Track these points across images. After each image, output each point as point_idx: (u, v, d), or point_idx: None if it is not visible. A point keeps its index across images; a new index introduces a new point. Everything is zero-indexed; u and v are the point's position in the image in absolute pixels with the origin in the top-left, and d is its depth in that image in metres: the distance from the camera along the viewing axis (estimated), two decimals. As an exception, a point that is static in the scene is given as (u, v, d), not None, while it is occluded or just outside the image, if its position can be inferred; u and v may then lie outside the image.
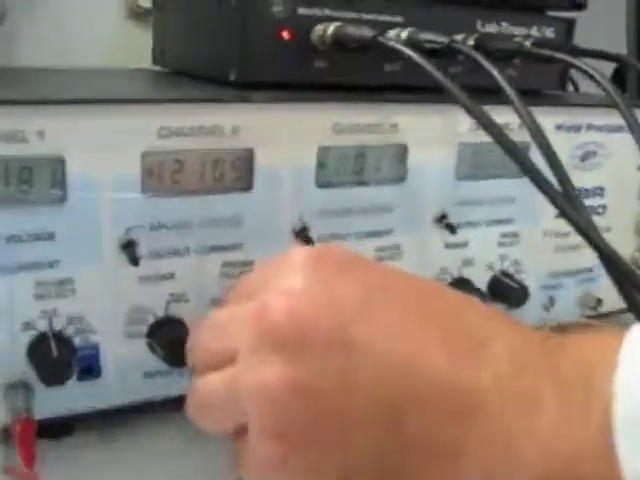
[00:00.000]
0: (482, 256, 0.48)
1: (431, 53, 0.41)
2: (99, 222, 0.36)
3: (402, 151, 0.44)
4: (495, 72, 0.37)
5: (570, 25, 0.53)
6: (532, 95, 0.52)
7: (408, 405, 0.26)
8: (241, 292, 0.33)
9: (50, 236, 0.35)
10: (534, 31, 0.52)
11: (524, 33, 0.51)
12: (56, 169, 0.35)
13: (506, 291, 0.49)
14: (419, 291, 0.30)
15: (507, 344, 0.27)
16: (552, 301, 0.53)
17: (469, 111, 0.35)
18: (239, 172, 0.39)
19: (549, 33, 0.53)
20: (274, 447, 0.28)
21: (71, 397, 0.38)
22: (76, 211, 0.36)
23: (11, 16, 0.67)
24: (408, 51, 0.37)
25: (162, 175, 0.38)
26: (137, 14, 0.77)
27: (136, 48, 0.62)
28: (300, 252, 0.30)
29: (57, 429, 0.40)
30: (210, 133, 0.38)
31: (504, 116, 0.38)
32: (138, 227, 0.37)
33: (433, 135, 0.44)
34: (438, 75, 0.36)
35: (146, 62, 0.57)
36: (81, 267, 0.37)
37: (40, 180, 0.34)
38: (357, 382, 0.26)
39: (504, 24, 0.51)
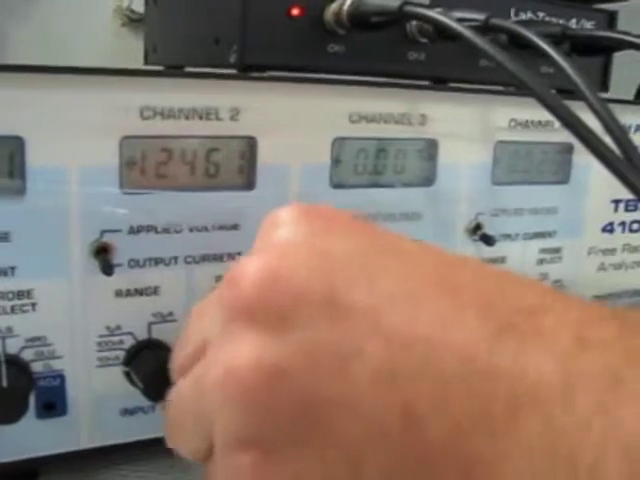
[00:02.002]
0: (521, 274, 0.42)
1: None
2: (66, 222, 0.30)
3: (431, 147, 0.37)
4: (551, 50, 0.31)
5: (612, 17, 0.47)
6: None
7: (427, 405, 0.18)
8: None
9: (4, 237, 0.29)
10: (572, 23, 0.46)
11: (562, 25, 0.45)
12: (13, 155, 0.28)
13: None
14: (440, 257, 0.22)
15: (563, 317, 0.19)
16: (597, 329, 0.46)
17: (531, 90, 0.29)
18: (238, 166, 0.33)
19: (589, 26, 0.47)
20: (242, 456, 0.20)
21: (30, 438, 0.31)
22: (37, 207, 0.29)
23: (1, 21, 0.63)
24: (445, 19, 0.31)
25: (145, 167, 0.31)
26: (132, 20, 0.72)
27: (131, 55, 0.58)
28: (286, 207, 0.24)
29: (16, 476, 0.33)
30: (204, 116, 0.31)
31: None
32: (114, 230, 0.31)
33: (467, 130, 0.38)
34: (489, 48, 0.29)
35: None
36: (43, 276, 0.30)
37: (-8, 166, 0.28)
38: (354, 367, 0.19)
39: (540, 14, 0.45)
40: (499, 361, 0.18)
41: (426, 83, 0.37)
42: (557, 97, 0.28)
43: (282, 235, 0.22)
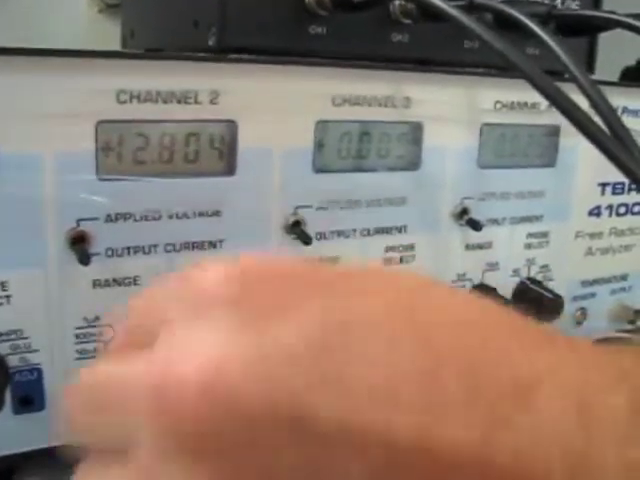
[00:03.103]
0: (507, 259, 0.41)
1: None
2: (41, 210, 0.29)
3: (416, 130, 0.36)
4: (539, 30, 0.30)
5: (597, -3, 0.47)
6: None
7: None
8: (128, 333, 0.21)
9: (-25, 227, 0.28)
10: (558, 3, 0.45)
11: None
12: (-17, 140, 0.27)
13: (536, 301, 0.41)
14: (414, 316, 0.17)
15: (561, 386, 0.16)
16: (584, 314, 0.46)
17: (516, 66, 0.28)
18: (218, 150, 0.32)
19: (574, 6, 0.46)
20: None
21: (6, 435, 0.30)
22: (10, 195, 0.28)
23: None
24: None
25: (122, 152, 0.30)
26: (108, 6, 0.71)
27: (108, 41, 0.57)
28: (209, 276, 0.19)
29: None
30: (182, 100, 0.30)
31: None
32: (91, 218, 0.30)
33: (453, 113, 0.37)
34: (476, 27, 0.28)
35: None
36: (18, 267, 0.29)
37: (-39, 153, 0.27)
38: None
39: (524, -6, 0.44)
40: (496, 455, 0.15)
41: (410, 65, 0.36)
42: (546, 77, 0.27)
43: (213, 330, 0.17)
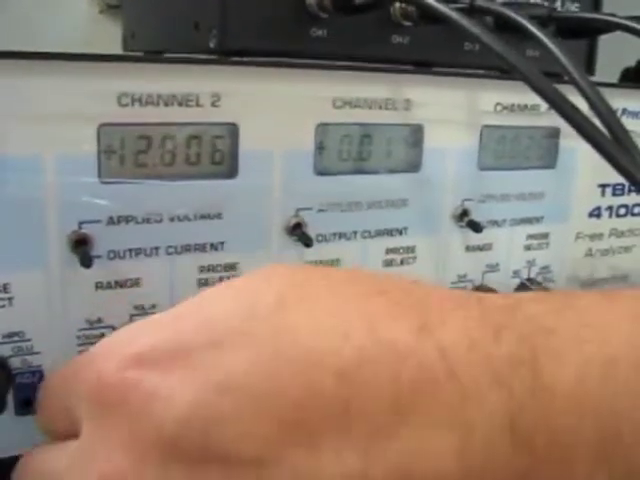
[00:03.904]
0: (508, 261, 0.41)
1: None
2: (42, 213, 0.29)
3: (417, 133, 0.36)
4: (538, 32, 0.30)
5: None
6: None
7: None
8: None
9: (-22, 229, 0.28)
10: (558, 5, 0.45)
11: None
12: (-14, 143, 0.27)
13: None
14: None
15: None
16: (585, 315, 0.46)
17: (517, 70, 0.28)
18: (220, 153, 0.32)
19: (574, 8, 0.46)
20: None
21: (8, 436, 0.30)
22: (12, 198, 0.28)
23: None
24: (430, 1, 0.30)
25: (124, 155, 0.30)
26: (109, 7, 0.71)
27: (109, 43, 0.56)
28: (225, 305, 0.21)
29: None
30: (183, 103, 0.30)
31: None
32: (93, 220, 0.30)
33: (453, 115, 0.37)
34: (476, 30, 0.28)
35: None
36: (20, 270, 0.29)
37: (-37, 157, 0.27)
38: None
39: (523, -5, 0.44)
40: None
41: (411, 68, 0.37)
42: (545, 79, 0.28)
43: (221, 362, 0.19)
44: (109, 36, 0.62)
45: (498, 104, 0.38)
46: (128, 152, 0.30)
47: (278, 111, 0.32)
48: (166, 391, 0.19)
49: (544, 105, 0.39)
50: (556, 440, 0.16)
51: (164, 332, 0.20)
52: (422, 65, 0.38)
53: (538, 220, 0.42)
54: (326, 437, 0.17)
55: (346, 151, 0.35)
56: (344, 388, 0.17)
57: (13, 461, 0.31)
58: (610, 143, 0.27)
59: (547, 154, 0.41)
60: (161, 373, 0.19)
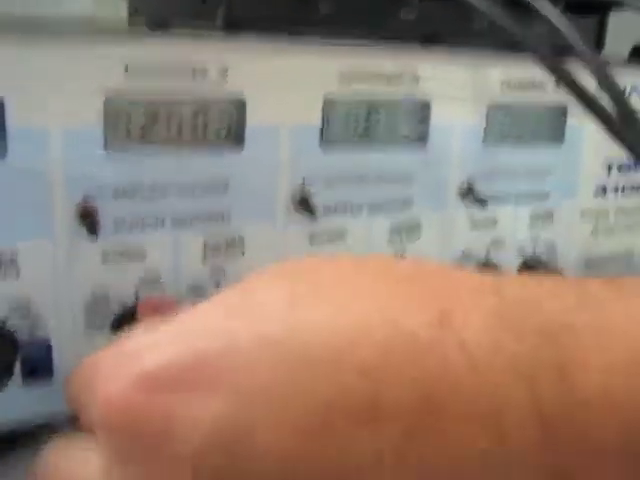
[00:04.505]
0: (512, 237, 0.41)
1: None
2: (49, 184, 0.29)
3: (424, 108, 0.36)
4: (547, 8, 0.30)
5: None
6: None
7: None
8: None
9: (-15, 200, 0.28)
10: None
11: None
12: (-7, 113, 0.27)
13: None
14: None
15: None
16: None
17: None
18: (227, 126, 0.32)
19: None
20: None
21: (14, 404, 0.30)
22: (18, 168, 0.28)
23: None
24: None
25: (130, 128, 0.30)
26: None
27: (114, 18, 0.56)
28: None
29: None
30: (191, 76, 0.30)
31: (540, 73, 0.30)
32: (100, 193, 0.30)
33: (460, 90, 0.37)
34: (484, 5, 0.28)
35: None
36: (26, 240, 0.29)
37: (-28, 127, 0.27)
38: None
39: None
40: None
41: (419, 43, 0.36)
42: (553, 55, 0.27)
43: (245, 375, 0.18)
44: (115, 9, 0.61)
45: (505, 80, 0.38)
46: (134, 124, 0.30)
47: (285, 85, 0.32)
48: (186, 411, 0.18)
49: (552, 82, 0.39)
50: (585, 436, 0.16)
51: (174, 347, 0.19)
52: (430, 41, 0.38)
53: (544, 197, 0.42)
54: (358, 437, 0.17)
55: (353, 125, 0.35)
56: (370, 385, 0.17)
57: (20, 426, 0.31)
58: (616, 121, 0.26)
59: (554, 131, 0.41)
60: (177, 392, 0.18)
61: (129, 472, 0.19)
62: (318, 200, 0.34)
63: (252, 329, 0.19)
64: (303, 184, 0.34)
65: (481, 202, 0.38)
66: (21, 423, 0.31)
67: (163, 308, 0.30)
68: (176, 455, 0.18)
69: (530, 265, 0.42)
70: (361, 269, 0.21)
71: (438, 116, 0.37)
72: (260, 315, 0.19)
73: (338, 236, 0.36)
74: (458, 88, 0.37)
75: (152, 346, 0.20)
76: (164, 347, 0.20)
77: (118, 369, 0.20)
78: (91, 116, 0.29)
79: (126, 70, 0.29)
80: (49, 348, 0.31)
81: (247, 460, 0.17)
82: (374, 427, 0.17)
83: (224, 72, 0.31)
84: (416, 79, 0.35)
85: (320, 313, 0.18)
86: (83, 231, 0.30)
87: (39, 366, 0.31)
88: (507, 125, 0.39)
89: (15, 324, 0.30)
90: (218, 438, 0.18)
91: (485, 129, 0.38)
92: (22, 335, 0.30)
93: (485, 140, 0.38)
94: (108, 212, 0.30)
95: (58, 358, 0.31)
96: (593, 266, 0.46)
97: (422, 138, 0.37)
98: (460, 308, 0.18)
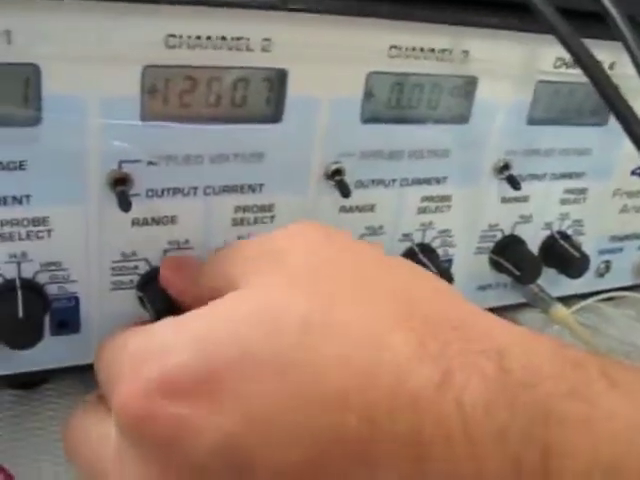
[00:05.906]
0: (541, 213, 0.41)
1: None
2: (83, 151, 0.28)
3: (470, 84, 0.35)
4: None
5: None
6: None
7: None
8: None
9: (19, 165, 0.28)
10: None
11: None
12: (29, 82, 0.26)
13: (561, 256, 0.41)
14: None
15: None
16: (608, 267, 0.46)
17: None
18: (266, 97, 0.31)
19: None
20: None
21: (44, 352, 0.31)
22: (53, 136, 0.28)
23: None
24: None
25: (168, 96, 0.29)
26: None
27: None
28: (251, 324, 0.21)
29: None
30: (233, 47, 0.29)
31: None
32: (133, 160, 0.30)
33: (509, 68, 0.35)
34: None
35: None
36: (58, 204, 0.29)
37: (8, 95, 0.26)
38: None
39: None
40: None
41: (471, 17, 0.34)
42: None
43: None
44: None
45: (558, 59, 0.36)
46: (172, 92, 0.29)
47: (329, 58, 0.31)
48: (194, 422, 0.19)
49: (605, 62, 0.37)
50: None
51: (193, 354, 0.20)
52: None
53: (579, 175, 0.41)
54: (354, 474, 0.18)
55: (395, 100, 0.34)
56: (367, 432, 0.18)
57: (48, 373, 0.33)
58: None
59: (600, 111, 0.39)
60: (188, 403, 0.19)
61: (137, 467, 0.21)
62: (351, 173, 0.34)
63: (266, 346, 0.19)
64: (338, 156, 0.33)
65: (514, 184, 0.37)
66: (48, 367, 0.33)
67: (185, 267, 0.31)
68: (181, 463, 0.19)
69: (554, 240, 0.42)
70: (383, 277, 0.22)
71: (484, 93, 0.35)
72: (275, 331, 0.20)
73: (368, 208, 0.35)
74: (508, 66, 0.35)
75: (173, 349, 0.21)
76: (184, 354, 0.20)
77: (139, 369, 0.21)
78: (129, 85, 0.28)
79: (165, 39, 0.28)
80: (77, 303, 0.31)
81: (246, 478, 0.19)
82: (366, 473, 0.18)
83: (268, 44, 0.30)
84: (466, 55, 0.34)
85: (331, 347, 0.19)
86: (115, 198, 0.29)
87: (67, 318, 0.32)
88: (553, 104, 0.38)
89: (45, 281, 0.30)
90: (221, 453, 0.19)
91: (530, 107, 0.37)
92: (52, 291, 0.31)
93: (528, 118, 0.37)
94: (141, 179, 0.30)
95: (85, 311, 0.32)
96: (617, 241, 0.46)
97: (465, 114, 0.36)
98: (461, 368, 0.18)
